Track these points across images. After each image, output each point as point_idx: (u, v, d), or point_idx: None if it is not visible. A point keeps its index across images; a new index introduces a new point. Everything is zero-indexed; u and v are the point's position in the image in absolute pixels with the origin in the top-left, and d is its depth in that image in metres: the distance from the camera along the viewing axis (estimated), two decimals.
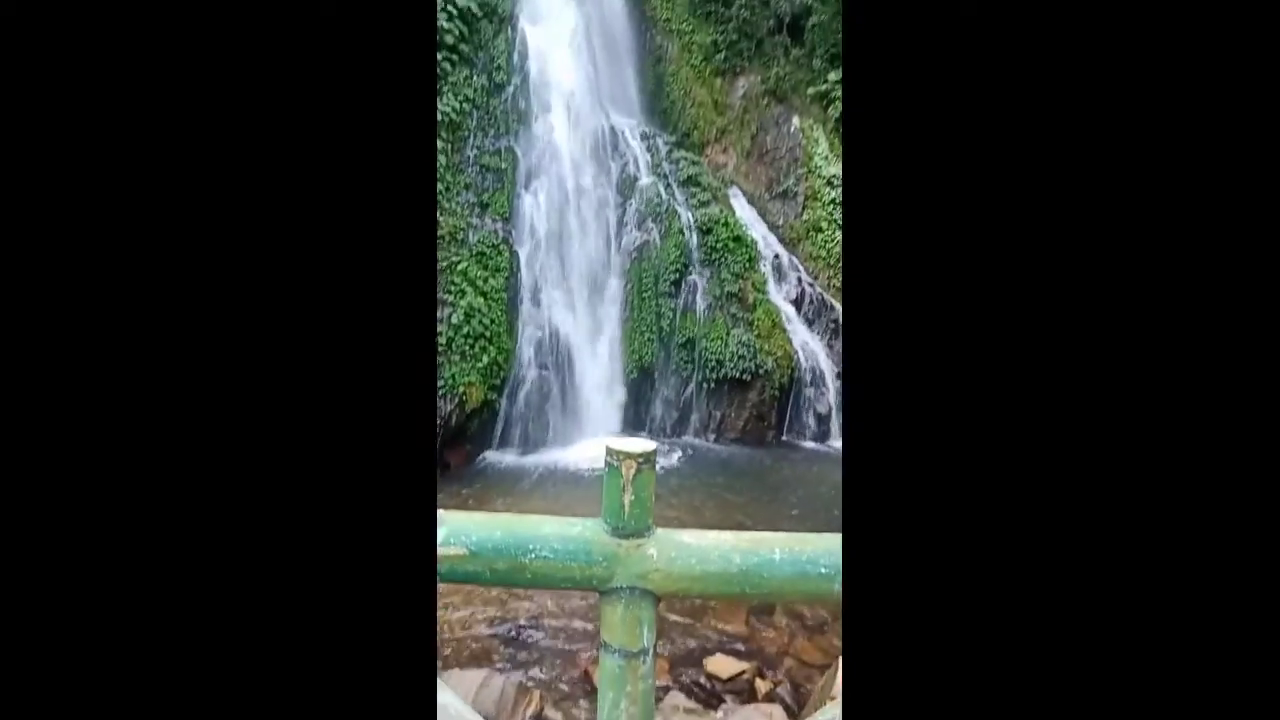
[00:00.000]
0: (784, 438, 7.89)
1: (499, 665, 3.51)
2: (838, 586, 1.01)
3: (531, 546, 1.02)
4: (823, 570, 1.01)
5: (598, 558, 1.02)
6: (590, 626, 3.74)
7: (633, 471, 1.00)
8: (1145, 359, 0.78)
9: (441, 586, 1.14)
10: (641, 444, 1.03)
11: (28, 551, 0.81)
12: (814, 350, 8.01)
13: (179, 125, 0.86)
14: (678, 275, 7.70)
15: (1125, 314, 0.79)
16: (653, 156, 8.30)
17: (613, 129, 8.26)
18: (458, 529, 1.02)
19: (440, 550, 1.00)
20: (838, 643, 3.50)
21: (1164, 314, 0.78)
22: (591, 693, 3.20)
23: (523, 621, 3.90)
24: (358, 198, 0.90)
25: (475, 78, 7.57)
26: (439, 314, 6.97)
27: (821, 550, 1.03)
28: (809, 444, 7.74)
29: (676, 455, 7.19)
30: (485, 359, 7.01)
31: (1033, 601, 0.79)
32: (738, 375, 7.59)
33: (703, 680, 3.29)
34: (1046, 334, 0.80)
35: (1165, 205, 0.79)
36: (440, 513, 1.06)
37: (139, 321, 0.85)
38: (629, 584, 1.02)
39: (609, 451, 1.02)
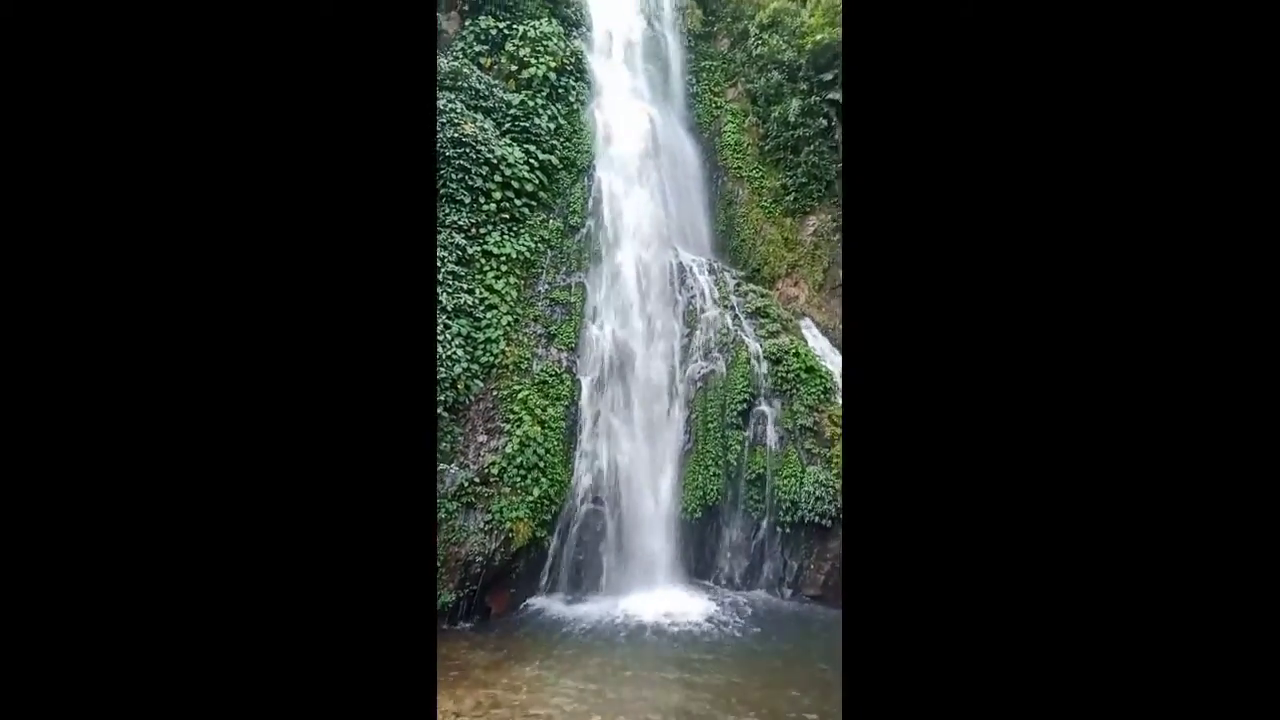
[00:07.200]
0: None
1: None
2: None
3: None
4: None
5: None
6: None
7: None
8: (1131, 419, 1.01)
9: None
10: None
11: (29, 551, 0.82)
12: None
13: (178, 129, 0.89)
14: (745, 405, 7.19)
15: (1125, 390, 0.98)
16: (720, 290, 8.18)
17: (680, 264, 8.29)
18: None
19: None
20: None
21: (1155, 400, 0.98)
22: None
23: None
24: (357, 206, 1.00)
25: (551, 221, 7.92)
26: (495, 444, 6.73)
27: None
28: None
29: (739, 616, 6.23)
30: (536, 492, 6.58)
31: (1029, 609, 0.98)
32: (816, 520, 6.72)
33: None
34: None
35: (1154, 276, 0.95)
36: None
37: (150, 344, 0.92)
38: None
39: None
